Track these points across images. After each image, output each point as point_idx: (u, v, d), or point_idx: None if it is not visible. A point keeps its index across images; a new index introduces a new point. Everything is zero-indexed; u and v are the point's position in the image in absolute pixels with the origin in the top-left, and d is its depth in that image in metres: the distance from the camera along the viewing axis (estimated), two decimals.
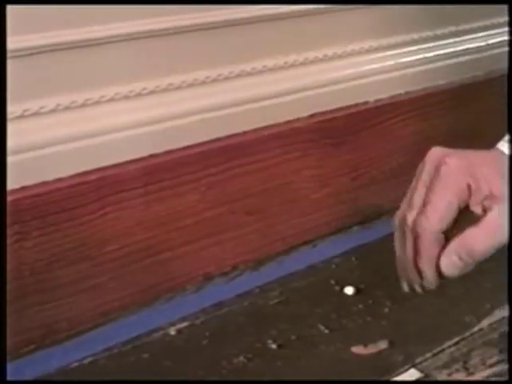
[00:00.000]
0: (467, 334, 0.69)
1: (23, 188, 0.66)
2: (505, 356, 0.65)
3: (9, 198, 0.64)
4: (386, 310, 0.73)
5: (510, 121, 0.66)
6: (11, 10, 0.61)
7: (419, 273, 0.65)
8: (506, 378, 0.63)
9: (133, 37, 0.71)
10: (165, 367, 0.66)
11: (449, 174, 0.63)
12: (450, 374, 0.64)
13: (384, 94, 0.90)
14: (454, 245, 0.63)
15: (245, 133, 0.79)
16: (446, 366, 0.65)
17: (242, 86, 0.79)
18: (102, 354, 0.68)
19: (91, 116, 0.70)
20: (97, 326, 0.71)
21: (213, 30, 0.76)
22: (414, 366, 0.65)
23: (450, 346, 0.68)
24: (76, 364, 0.66)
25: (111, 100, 0.71)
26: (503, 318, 0.71)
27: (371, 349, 0.68)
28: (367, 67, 0.90)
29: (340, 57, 0.88)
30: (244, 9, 0.77)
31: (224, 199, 0.78)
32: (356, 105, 0.88)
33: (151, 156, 0.73)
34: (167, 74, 0.74)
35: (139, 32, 0.71)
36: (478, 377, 0.64)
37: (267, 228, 0.82)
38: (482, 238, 0.63)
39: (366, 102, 0.89)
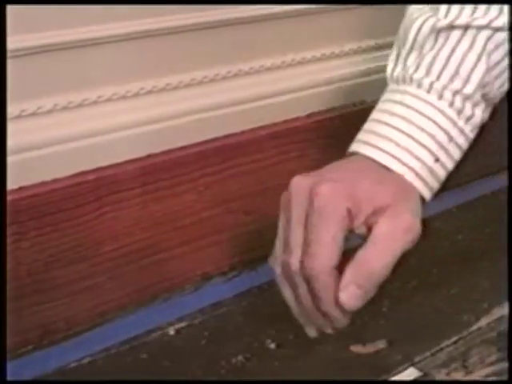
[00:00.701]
0: (466, 332, 0.69)
1: (20, 188, 0.66)
2: (504, 354, 0.65)
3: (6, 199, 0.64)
4: (385, 309, 0.73)
5: None
6: (14, 9, 0.61)
7: (324, 316, 0.61)
8: (505, 376, 0.63)
9: (130, 37, 0.71)
10: (163, 367, 0.66)
11: (325, 205, 0.58)
12: (448, 373, 0.64)
13: (382, 94, 0.90)
14: (348, 275, 0.57)
15: (242, 132, 0.79)
16: (444, 364, 0.65)
17: (240, 85, 0.79)
18: (99, 354, 0.68)
19: (89, 116, 0.70)
20: (95, 326, 0.71)
21: (210, 30, 0.76)
22: (412, 364, 0.65)
23: (448, 345, 0.68)
24: (74, 364, 0.66)
25: (109, 100, 0.71)
26: (501, 316, 0.71)
27: (370, 348, 0.68)
28: (365, 67, 0.90)
29: (337, 56, 0.88)
30: (241, 8, 0.77)
31: (221, 199, 0.78)
32: (353, 104, 0.88)
33: (149, 156, 0.73)
34: (164, 73, 0.74)
35: (136, 32, 0.71)
36: (476, 375, 0.64)
37: (265, 228, 0.82)
38: (375, 257, 0.57)
39: (364, 102, 0.89)
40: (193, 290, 0.76)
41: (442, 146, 0.63)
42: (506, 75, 0.65)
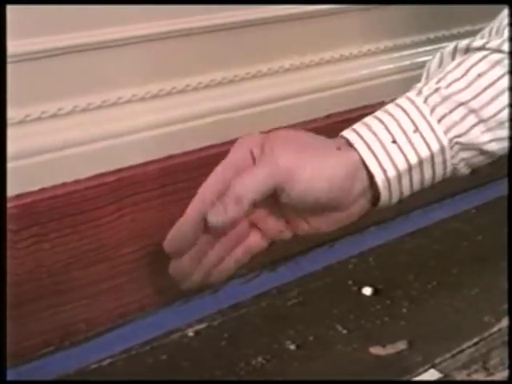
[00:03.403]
0: (486, 334, 0.69)
1: (41, 190, 0.66)
2: None
3: (26, 200, 0.65)
4: (404, 310, 0.73)
5: None
6: (34, 11, 0.62)
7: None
8: None
9: (149, 38, 0.71)
10: (182, 368, 0.66)
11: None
12: (469, 375, 0.64)
13: (400, 94, 0.90)
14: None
15: (262, 134, 0.79)
16: (465, 366, 0.65)
17: (259, 86, 0.79)
18: (120, 355, 0.68)
19: (108, 118, 0.70)
20: (115, 327, 0.71)
21: (229, 31, 0.76)
22: (433, 366, 0.65)
23: (469, 347, 0.67)
24: (94, 365, 0.67)
25: (128, 101, 0.71)
26: None
27: (390, 349, 0.67)
28: (383, 67, 0.89)
29: (356, 57, 0.87)
30: (260, 9, 0.77)
31: None
32: (372, 105, 0.88)
33: (168, 157, 0.73)
34: (184, 75, 0.74)
35: (155, 33, 0.71)
36: (497, 377, 0.63)
37: None
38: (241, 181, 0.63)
39: (382, 103, 0.89)
40: (212, 292, 0.76)
41: (404, 132, 0.64)
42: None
